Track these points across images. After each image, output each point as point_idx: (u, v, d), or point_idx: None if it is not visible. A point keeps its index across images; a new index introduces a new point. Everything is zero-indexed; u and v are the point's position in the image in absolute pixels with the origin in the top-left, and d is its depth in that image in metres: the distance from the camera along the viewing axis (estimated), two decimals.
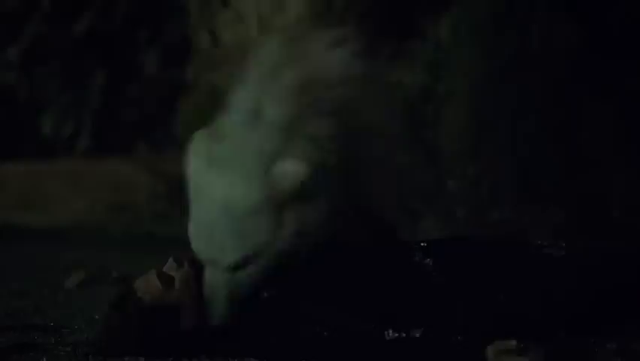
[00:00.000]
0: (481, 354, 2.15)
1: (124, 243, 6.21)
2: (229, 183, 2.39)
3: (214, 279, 2.38)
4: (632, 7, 6.19)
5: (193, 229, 2.48)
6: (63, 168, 9.37)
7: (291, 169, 2.36)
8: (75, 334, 2.74)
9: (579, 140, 6.20)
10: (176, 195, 7.97)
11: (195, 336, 2.34)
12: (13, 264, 4.88)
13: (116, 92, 10.18)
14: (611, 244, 5.11)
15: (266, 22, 7.88)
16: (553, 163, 6.15)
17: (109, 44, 10.16)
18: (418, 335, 2.22)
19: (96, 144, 10.05)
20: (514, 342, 2.15)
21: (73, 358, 2.43)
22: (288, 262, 2.40)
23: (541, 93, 6.17)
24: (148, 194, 8.18)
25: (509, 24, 6.21)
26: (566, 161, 6.16)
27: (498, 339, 2.17)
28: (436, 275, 2.41)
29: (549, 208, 6.04)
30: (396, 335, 2.22)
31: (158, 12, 10.07)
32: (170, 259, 2.42)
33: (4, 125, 10.21)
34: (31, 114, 10.25)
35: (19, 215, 7.89)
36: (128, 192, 8.47)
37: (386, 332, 2.23)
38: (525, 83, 6.17)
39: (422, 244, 2.48)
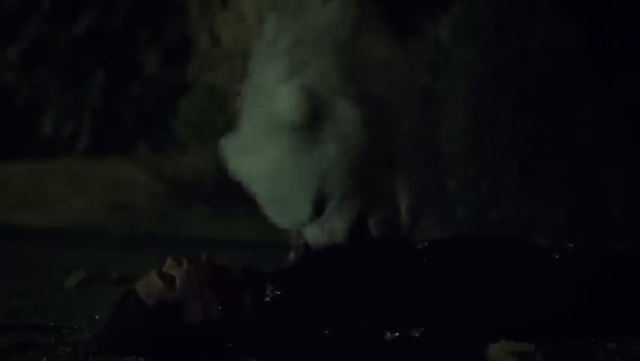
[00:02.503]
0: (481, 354, 2.15)
1: (124, 243, 6.21)
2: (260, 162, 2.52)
3: (310, 233, 2.54)
4: (631, 7, 6.20)
5: (266, 208, 2.61)
6: (63, 168, 9.38)
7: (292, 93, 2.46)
8: (75, 334, 2.73)
9: (579, 140, 6.20)
10: (176, 195, 7.98)
11: (199, 333, 2.34)
12: (13, 264, 4.88)
13: (116, 91, 10.18)
14: (611, 244, 5.12)
15: (266, 22, 7.87)
16: (553, 163, 6.15)
17: (109, 44, 10.17)
18: (417, 334, 2.22)
19: (96, 144, 10.06)
20: (519, 344, 2.15)
21: (73, 358, 2.43)
22: (356, 180, 2.50)
23: (541, 93, 6.18)
24: (148, 194, 8.18)
25: (509, 24, 6.21)
26: (566, 161, 6.16)
27: (497, 339, 2.17)
28: (435, 274, 2.41)
29: (549, 208, 6.05)
30: (396, 334, 2.22)
31: (158, 12, 10.08)
32: (169, 259, 2.42)
33: (4, 125, 10.22)
34: (31, 114, 10.26)
35: (19, 215, 7.89)
36: (128, 192, 8.48)
37: (385, 332, 2.23)
38: (525, 82, 6.17)
39: (424, 243, 2.49)
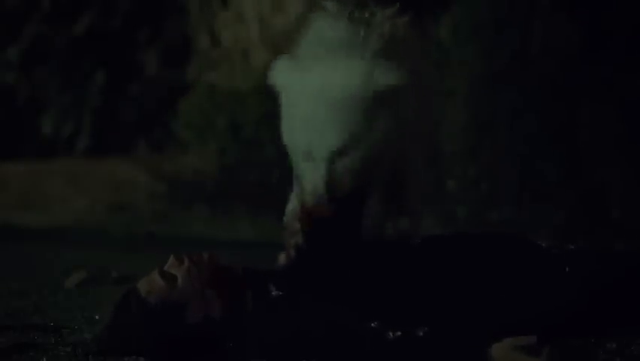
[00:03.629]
0: (484, 354, 2.15)
1: (124, 243, 6.21)
2: (327, 74, 2.49)
3: (310, 171, 2.50)
4: (631, 7, 6.20)
5: (286, 126, 2.59)
6: (63, 168, 9.38)
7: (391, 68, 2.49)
8: (75, 334, 2.73)
9: (579, 140, 6.20)
10: (176, 195, 7.99)
11: (200, 332, 2.34)
12: (13, 264, 4.88)
13: (116, 92, 10.18)
14: (611, 244, 5.12)
15: (266, 22, 7.88)
16: (553, 163, 6.15)
17: (109, 44, 10.17)
18: (419, 334, 2.22)
19: (96, 144, 10.06)
20: (523, 338, 2.15)
21: (73, 358, 2.43)
22: (378, 156, 2.53)
23: (541, 93, 6.18)
24: (148, 194, 8.18)
25: (509, 24, 6.22)
26: (566, 161, 6.16)
27: (498, 340, 2.17)
28: (436, 273, 2.41)
29: (549, 208, 6.05)
30: (397, 334, 2.22)
31: (158, 12, 10.08)
32: (171, 257, 2.43)
33: (4, 125, 10.22)
34: (31, 114, 10.26)
35: (19, 215, 7.89)
36: (128, 192, 8.48)
37: (387, 332, 2.23)
38: (525, 83, 6.17)
39: (424, 239, 2.50)
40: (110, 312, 2.43)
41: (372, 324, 2.26)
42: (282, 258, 2.78)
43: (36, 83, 10.27)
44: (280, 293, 2.38)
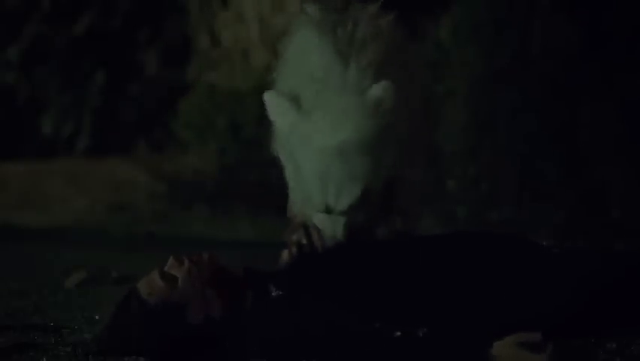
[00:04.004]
0: (484, 353, 2.15)
1: (124, 243, 6.21)
2: (326, 118, 2.51)
3: (329, 223, 2.55)
4: (631, 7, 6.20)
5: (295, 178, 2.63)
6: (63, 168, 9.38)
7: (381, 88, 2.53)
8: (75, 334, 2.74)
9: (579, 140, 6.20)
10: (176, 195, 7.98)
11: (200, 332, 2.34)
12: (13, 264, 4.88)
13: (116, 92, 10.18)
14: (611, 244, 5.12)
15: (266, 22, 7.89)
16: (553, 163, 6.15)
17: (109, 44, 10.17)
18: (419, 334, 2.22)
19: (96, 144, 10.06)
20: (527, 334, 2.15)
21: (73, 358, 2.43)
22: (389, 192, 2.59)
23: (541, 93, 6.18)
24: (148, 194, 8.18)
25: (509, 24, 6.22)
26: (566, 161, 6.16)
27: (500, 338, 2.17)
28: (437, 273, 2.41)
29: (549, 208, 6.05)
30: (398, 334, 2.22)
31: (158, 12, 10.08)
32: (171, 258, 2.43)
33: (4, 125, 10.22)
34: (31, 114, 10.26)
35: (19, 215, 7.89)
36: (128, 192, 8.48)
37: (387, 332, 2.23)
38: (525, 83, 6.17)
39: (424, 239, 2.50)
40: (110, 312, 2.43)
41: (373, 324, 2.26)
42: (284, 255, 2.78)
43: (36, 83, 10.27)
44: (280, 293, 2.38)
